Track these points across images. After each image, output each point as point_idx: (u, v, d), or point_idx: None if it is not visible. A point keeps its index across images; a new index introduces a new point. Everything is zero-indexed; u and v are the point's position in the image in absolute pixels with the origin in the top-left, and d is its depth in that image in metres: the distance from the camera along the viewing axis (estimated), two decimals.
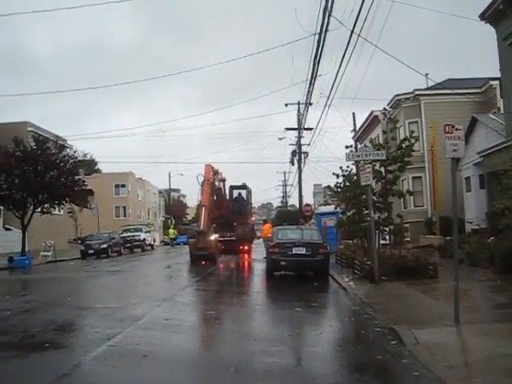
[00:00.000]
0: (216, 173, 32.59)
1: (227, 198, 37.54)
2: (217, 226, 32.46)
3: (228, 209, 36.74)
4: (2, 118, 71.09)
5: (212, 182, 30.27)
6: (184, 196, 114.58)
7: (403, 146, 18.67)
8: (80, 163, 37.80)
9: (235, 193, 38.73)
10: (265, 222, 36.94)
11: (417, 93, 33.63)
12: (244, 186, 39.54)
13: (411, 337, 8.32)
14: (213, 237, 29.21)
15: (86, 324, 10.77)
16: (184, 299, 14.48)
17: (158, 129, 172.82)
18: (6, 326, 10.38)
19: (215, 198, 32.14)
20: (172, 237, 62.13)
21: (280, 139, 49.15)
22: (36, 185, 33.58)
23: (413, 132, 20.38)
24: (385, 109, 30.57)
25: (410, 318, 10.15)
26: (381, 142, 20.68)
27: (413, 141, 18.72)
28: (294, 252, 18.41)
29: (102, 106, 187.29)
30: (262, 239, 37.41)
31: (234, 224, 35.61)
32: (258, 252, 34.70)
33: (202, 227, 27.48)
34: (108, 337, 8.96)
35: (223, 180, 36.09)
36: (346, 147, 20.35)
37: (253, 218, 45.61)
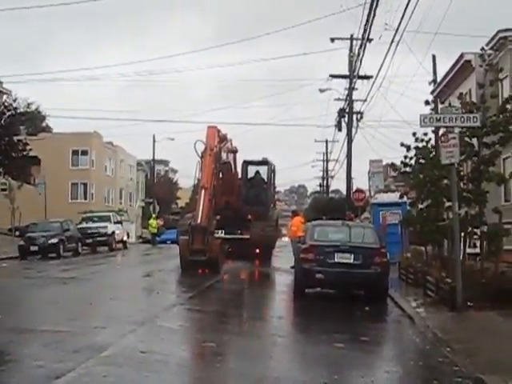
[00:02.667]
0: (224, 140, 32.48)
1: (239, 178, 37.54)
2: (222, 218, 32.41)
3: (240, 194, 36.75)
4: None
5: (217, 152, 30.10)
6: (175, 171, 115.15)
7: (508, 107, 18.52)
8: (21, 117, 37.96)
9: (251, 171, 38.63)
10: (294, 213, 36.85)
11: None
12: (265, 162, 39.42)
13: None
14: (216, 234, 29.24)
15: (23, 355, 10.81)
16: (170, 324, 14.54)
17: (142, 71, 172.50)
18: None
19: (221, 176, 32.10)
20: (154, 231, 62.66)
21: (322, 91, 49.11)
22: None
23: None
24: (483, 49, 30.20)
25: (506, 364, 10.10)
26: (474, 100, 20.55)
27: None
28: (336, 260, 18.44)
29: (68, 35, 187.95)
30: (288, 239, 37.34)
31: (249, 217, 35.64)
32: (282, 258, 34.78)
33: (199, 220, 27.40)
34: (56, 375, 9.00)
35: (234, 151, 35.94)
36: (427, 103, 20.21)
37: (277, 209, 45.65)
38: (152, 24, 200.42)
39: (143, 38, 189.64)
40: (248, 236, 35.04)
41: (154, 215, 68.65)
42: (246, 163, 38.30)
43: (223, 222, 32.63)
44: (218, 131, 31.16)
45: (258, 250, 34.40)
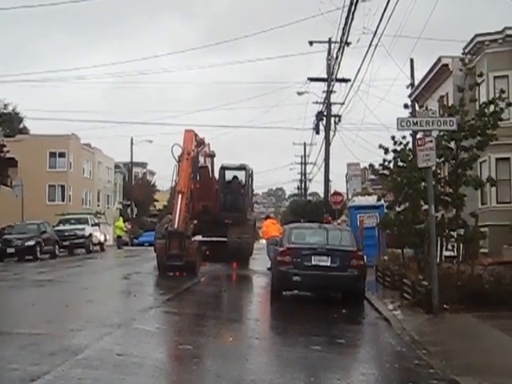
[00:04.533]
0: (201, 143, 32.38)
1: (217, 182, 37.52)
2: (200, 223, 32.27)
3: (217, 199, 36.75)
4: None
5: (194, 157, 29.93)
6: (152, 173, 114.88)
7: (486, 111, 18.63)
8: None
9: (229, 176, 38.69)
10: (266, 217, 36.78)
11: (509, 32, 33.40)
12: (242, 167, 39.46)
13: None
14: (192, 239, 29.10)
15: None
16: (147, 326, 14.52)
17: (121, 72, 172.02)
18: None
19: (198, 180, 31.99)
20: (121, 234, 61.92)
21: (300, 94, 49.21)
22: None
23: (504, 92, 20.22)
24: (464, 53, 30.23)
25: (482, 366, 10.18)
26: (451, 103, 20.66)
27: (502, 105, 18.66)
28: (313, 263, 18.46)
29: (50, 37, 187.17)
30: (265, 241, 37.26)
31: (226, 222, 35.65)
32: (259, 260, 34.82)
33: (176, 225, 27.27)
34: (31, 377, 8.97)
35: (212, 155, 35.89)
36: (406, 106, 20.27)
37: (255, 212, 45.64)
38: (137, 28, 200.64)
39: (128, 41, 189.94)
40: (226, 239, 35.07)
41: (121, 218, 68.07)
42: (224, 169, 38.30)
43: (201, 226, 32.50)
44: (196, 135, 31.05)
45: (234, 257, 34.39)
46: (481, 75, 22.38)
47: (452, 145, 18.73)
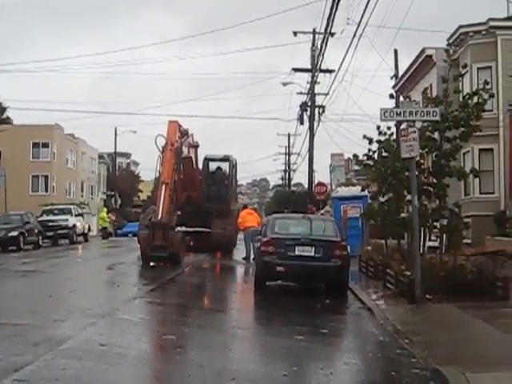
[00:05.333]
0: (185, 134, 32.30)
1: (200, 173, 37.50)
2: (184, 214, 32.30)
3: (201, 190, 36.76)
4: None
5: (178, 147, 29.84)
6: (136, 164, 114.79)
7: (470, 102, 18.69)
8: None
9: (213, 167, 38.67)
10: (243, 207, 36.46)
11: (492, 24, 33.53)
12: (226, 158, 39.49)
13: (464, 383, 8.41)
14: (176, 230, 29.07)
15: None
16: (130, 316, 14.51)
17: (109, 62, 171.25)
18: None
19: (182, 171, 31.96)
20: (106, 225, 61.70)
21: (284, 85, 49.29)
22: None
23: (488, 83, 20.28)
24: (449, 44, 30.26)
25: (463, 356, 10.24)
26: (435, 94, 20.71)
27: (486, 96, 18.73)
28: (296, 253, 18.48)
29: (38, 28, 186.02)
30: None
31: (210, 213, 35.67)
32: (242, 251, 34.83)
33: (160, 216, 27.19)
34: (14, 367, 8.98)
35: (195, 146, 35.84)
36: (391, 97, 20.30)
37: (239, 203, 45.63)
38: (122, 20, 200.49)
39: (113, 32, 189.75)
40: (209, 230, 35.13)
41: (105, 209, 67.85)
42: (207, 160, 38.33)
43: (184, 217, 32.54)
44: (179, 126, 30.96)
45: (218, 248, 34.50)
46: (465, 66, 22.40)
47: (436, 135, 18.80)
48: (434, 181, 19.04)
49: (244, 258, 31.01)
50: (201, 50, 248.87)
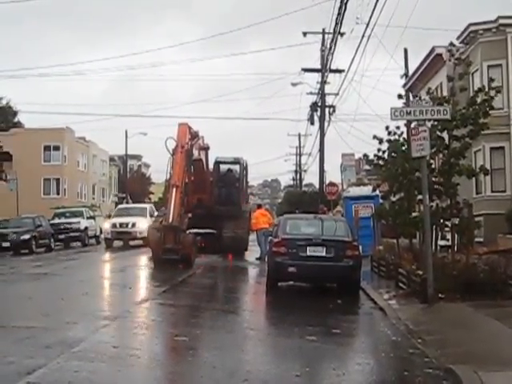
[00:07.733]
0: (195, 136, 32.17)
1: (211, 175, 37.46)
2: (194, 216, 32.21)
3: (212, 192, 36.71)
4: None
5: (188, 150, 29.74)
6: (147, 166, 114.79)
7: (478, 100, 18.63)
8: None
9: (223, 169, 38.63)
10: (258, 206, 36.40)
11: (502, 22, 33.43)
12: (237, 161, 39.38)
13: (477, 383, 8.36)
14: (188, 232, 29.04)
15: None
16: (143, 318, 14.58)
17: (123, 65, 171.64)
18: None
19: (193, 174, 31.90)
20: None
21: (294, 85, 49.25)
22: None
23: (493, 80, 20.29)
24: (452, 44, 30.35)
25: (477, 355, 10.21)
26: (445, 93, 20.65)
27: (493, 93, 18.68)
28: (308, 253, 18.46)
29: (55, 35, 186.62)
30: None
31: (221, 215, 35.61)
32: (254, 252, 34.81)
33: (171, 219, 27.12)
34: (27, 370, 9.00)
35: (206, 148, 35.70)
36: (400, 97, 20.25)
37: (250, 204, 45.51)
38: (139, 26, 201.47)
39: (131, 38, 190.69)
40: (221, 240, 35.12)
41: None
42: (218, 163, 38.26)
43: (195, 220, 32.51)
44: (190, 128, 30.86)
45: (230, 251, 34.39)
46: (470, 64, 22.32)
47: (444, 135, 18.74)
48: (444, 180, 18.97)
49: (258, 258, 31.00)
50: (213, 52, 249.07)
